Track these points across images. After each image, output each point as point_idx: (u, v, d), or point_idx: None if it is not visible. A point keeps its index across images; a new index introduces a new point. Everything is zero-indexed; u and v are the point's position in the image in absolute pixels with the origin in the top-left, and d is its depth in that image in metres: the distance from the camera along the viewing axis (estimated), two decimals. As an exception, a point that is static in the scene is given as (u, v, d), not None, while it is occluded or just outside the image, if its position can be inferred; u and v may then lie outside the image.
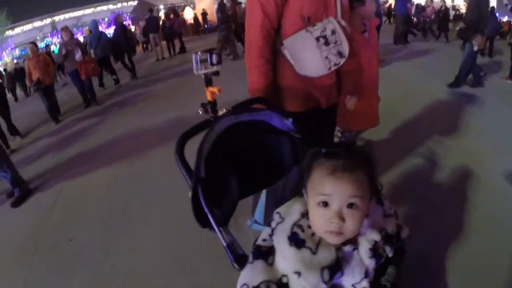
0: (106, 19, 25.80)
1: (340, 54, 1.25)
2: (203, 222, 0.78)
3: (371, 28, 2.01)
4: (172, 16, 10.55)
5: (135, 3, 26.13)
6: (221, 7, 7.26)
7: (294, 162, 0.98)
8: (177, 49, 10.33)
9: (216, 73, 0.94)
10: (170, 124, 4.06)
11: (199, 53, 0.88)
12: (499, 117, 3.33)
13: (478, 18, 4.24)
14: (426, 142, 2.79)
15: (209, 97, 0.92)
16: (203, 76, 0.91)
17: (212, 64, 0.91)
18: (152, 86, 6.62)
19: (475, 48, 4.25)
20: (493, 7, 8.03)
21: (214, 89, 0.90)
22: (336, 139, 2.23)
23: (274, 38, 1.28)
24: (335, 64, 1.26)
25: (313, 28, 1.22)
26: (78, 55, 5.42)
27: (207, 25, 16.12)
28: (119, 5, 29.08)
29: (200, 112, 0.91)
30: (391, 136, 2.98)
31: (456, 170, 2.35)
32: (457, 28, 5.28)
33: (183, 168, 0.79)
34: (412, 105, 3.70)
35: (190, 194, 0.77)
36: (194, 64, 0.87)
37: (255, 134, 0.93)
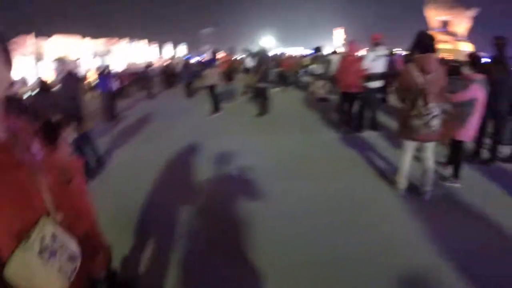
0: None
1: (72, 258, 1.01)
2: None
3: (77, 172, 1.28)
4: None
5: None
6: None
7: None
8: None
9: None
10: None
11: None
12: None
13: (72, 106, 4.05)
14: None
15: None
16: None
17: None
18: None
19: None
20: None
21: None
22: None
23: None
24: (74, 270, 1.02)
25: (29, 242, 0.88)
26: None
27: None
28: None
29: None
30: None
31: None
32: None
33: None
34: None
35: None
36: None
37: None
